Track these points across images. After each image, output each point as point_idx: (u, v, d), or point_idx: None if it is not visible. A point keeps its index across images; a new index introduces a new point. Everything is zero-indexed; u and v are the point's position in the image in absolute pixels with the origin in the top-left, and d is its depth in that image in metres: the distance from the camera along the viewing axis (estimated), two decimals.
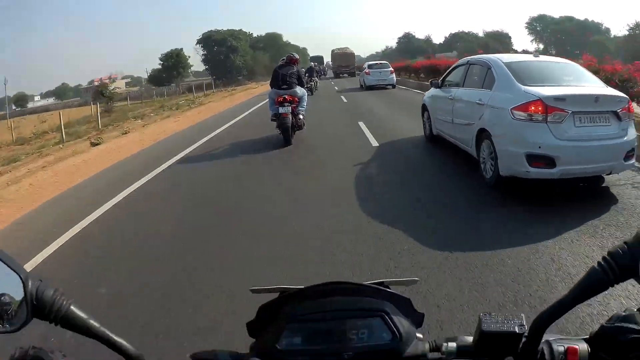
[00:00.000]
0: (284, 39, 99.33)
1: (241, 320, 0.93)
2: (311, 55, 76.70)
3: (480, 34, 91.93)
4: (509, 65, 5.94)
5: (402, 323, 0.84)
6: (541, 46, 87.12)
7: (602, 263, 0.69)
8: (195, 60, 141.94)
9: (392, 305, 0.86)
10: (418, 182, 6.27)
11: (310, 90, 24.03)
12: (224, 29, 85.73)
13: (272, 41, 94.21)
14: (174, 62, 78.70)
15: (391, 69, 26.83)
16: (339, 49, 53.11)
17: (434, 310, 3.03)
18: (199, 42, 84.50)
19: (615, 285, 0.69)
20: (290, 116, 9.55)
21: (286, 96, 9.64)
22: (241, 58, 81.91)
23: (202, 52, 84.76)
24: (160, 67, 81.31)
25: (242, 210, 5.61)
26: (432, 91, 8.72)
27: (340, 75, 48.60)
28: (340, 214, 5.16)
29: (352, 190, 6.05)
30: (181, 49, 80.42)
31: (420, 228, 4.51)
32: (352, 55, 52.06)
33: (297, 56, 10.58)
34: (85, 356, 0.83)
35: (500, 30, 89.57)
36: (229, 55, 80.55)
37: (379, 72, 26.23)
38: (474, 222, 4.61)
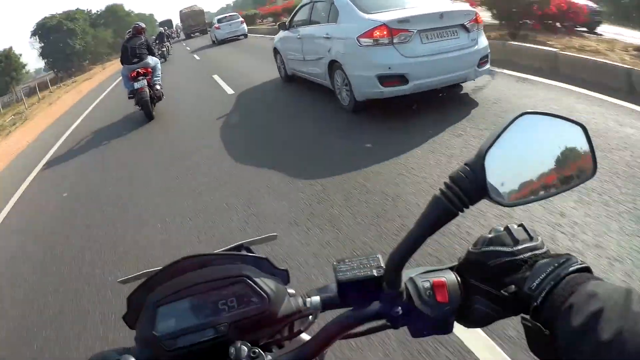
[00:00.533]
0: (126, 9, 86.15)
1: None
2: (159, 21, 70.36)
3: None
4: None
5: (267, 283, 0.83)
6: None
7: (445, 190, 0.64)
8: (33, 57, 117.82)
9: (252, 267, 0.85)
10: (280, 120, 6.51)
11: (164, 57, 23.44)
12: (59, 12, 70.48)
13: (114, 14, 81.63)
14: (2, 67, 61.29)
15: (241, 19, 26.63)
16: (186, 8, 50.39)
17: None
18: (33, 33, 69.50)
19: (465, 210, 0.63)
20: (147, 89, 9.07)
21: (139, 69, 9.17)
22: (81, 41, 68.20)
23: (38, 45, 69.70)
24: None
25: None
26: (282, 34, 8.84)
27: (192, 35, 46.70)
28: (206, 167, 5.35)
29: (216, 145, 6.18)
30: (9, 49, 62.86)
31: (287, 163, 4.79)
32: (201, 12, 49.90)
33: (142, 25, 10.04)
34: None
35: None
36: (67, 42, 66.41)
37: (229, 24, 26.00)
38: (336, 147, 4.96)
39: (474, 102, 5.60)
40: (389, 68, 5.22)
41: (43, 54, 69.79)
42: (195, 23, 47.10)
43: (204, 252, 0.87)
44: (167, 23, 54.25)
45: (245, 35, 25.81)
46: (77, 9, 74.40)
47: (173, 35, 48.56)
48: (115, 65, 36.02)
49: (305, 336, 0.87)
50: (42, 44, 68.93)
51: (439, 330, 0.71)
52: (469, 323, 0.71)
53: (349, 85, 5.69)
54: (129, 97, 9.48)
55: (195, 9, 49.22)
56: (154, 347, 0.79)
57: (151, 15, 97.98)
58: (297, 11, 8.30)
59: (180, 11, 50.61)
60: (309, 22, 7.30)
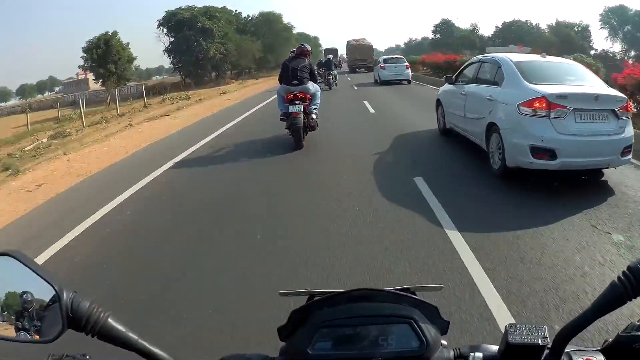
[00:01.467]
0: (285, 21, 71.74)
1: None
2: (323, 47, 69.69)
3: (542, 26, 79.86)
4: (517, 64, 6.42)
5: (429, 330, 0.85)
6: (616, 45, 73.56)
7: (622, 278, 0.72)
8: (157, 52, 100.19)
9: (419, 312, 0.87)
10: (430, 171, 6.78)
11: (328, 85, 23.92)
12: (198, 5, 56.86)
13: (268, 24, 67.46)
14: (100, 54, 50.14)
15: (407, 64, 26.55)
16: (355, 40, 48.44)
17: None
18: (161, 24, 56.06)
19: (633, 299, 0.72)
20: (302, 116, 8.62)
21: (297, 93, 8.71)
22: (219, 46, 54.84)
23: (166, 39, 56.72)
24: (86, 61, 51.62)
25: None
26: (446, 87, 9.19)
27: (357, 70, 44.86)
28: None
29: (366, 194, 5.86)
30: (112, 33, 51.67)
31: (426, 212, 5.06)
32: (370, 48, 47.62)
33: (309, 48, 9.56)
34: None
35: (567, 22, 75.64)
36: (199, 42, 53.33)
37: (394, 66, 25.94)
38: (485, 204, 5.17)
39: (612, 191, 5.46)
40: (542, 140, 5.32)
41: (169, 51, 56.05)
42: (361, 58, 45.45)
43: (377, 287, 0.90)
44: (333, 51, 52.44)
45: (409, 81, 25.86)
46: (223, 7, 60.75)
47: (339, 65, 47.40)
48: (258, 85, 35.59)
49: None
50: (172, 39, 55.37)
51: None
52: None
53: (502, 150, 5.85)
54: (281, 119, 9.04)
55: (365, 43, 47.65)
56: None
57: (315, 38, 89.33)
58: (464, 67, 8.63)
59: (348, 42, 48.88)
60: (475, 80, 7.59)
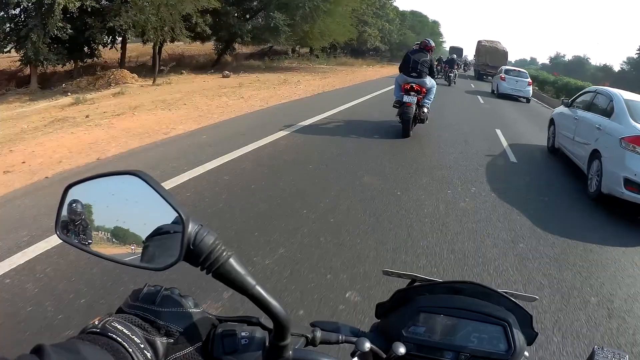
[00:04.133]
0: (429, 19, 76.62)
1: None
2: (444, 34, 66.20)
3: None
4: (627, 101, 7.09)
5: (519, 338, 0.87)
6: None
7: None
8: None
9: (515, 317, 0.88)
10: (535, 186, 7.60)
11: (448, 81, 27.02)
12: None
13: (418, 22, 71.66)
14: None
15: (529, 80, 24.40)
16: (488, 42, 41.00)
17: None
18: None
19: None
20: (414, 106, 9.01)
21: (414, 85, 9.11)
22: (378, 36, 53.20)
23: None
24: None
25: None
26: (561, 108, 9.87)
27: (485, 77, 38.70)
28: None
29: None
30: None
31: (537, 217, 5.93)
32: (504, 54, 39.69)
33: (432, 43, 9.74)
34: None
35: None
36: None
37: (515, 80, 23.85)
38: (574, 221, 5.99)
39: None
40: (635, 175, 5.99)
41: None
42: (492, 64, 37.74)
43: (487, 285, 0.91)
44: (458, 51, 50.20)
45: (528, 100, 24.19)
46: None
47: (461, 65, 45.30)
48: (383, 71, 35.86)
49: None
50: None
51: None
52: None
53: (599, 177, 6.59)
54: (394, 106, 9.50)
55: (499, 48, 39.92)
56: (393, 342, 0.83)
57: (435, 24, 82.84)
58: (581, 94, 9.29)
59: (479, 42, 41.83)
60: (588, 108, 8.28)
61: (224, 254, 0.65)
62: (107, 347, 0.61)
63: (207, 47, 30.44)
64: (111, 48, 20.61)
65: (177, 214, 0.63)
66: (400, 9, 66.43)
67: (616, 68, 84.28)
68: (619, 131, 6.50)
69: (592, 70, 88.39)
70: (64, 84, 17.94)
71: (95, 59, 20.37)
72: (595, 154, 6.97)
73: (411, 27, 66.89)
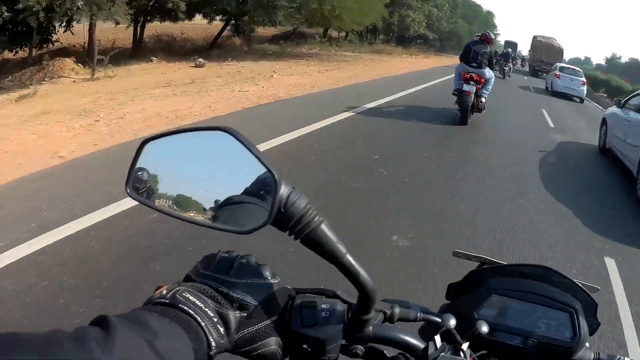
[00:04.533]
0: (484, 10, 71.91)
1: None
2: (505, 39, 60.43)
3: None
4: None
5: (584, 326, 0.86)
6: None
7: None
8: None
9: (581, 305, 0.88)
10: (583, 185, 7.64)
11: (503, 74, 27.13)
12: None
13: (471, 11, 66.57)
14: None
15: (584, 79, 23.19)
16: (543, 37, 39.89)
17: None
18: None
19: None
20: (472, 95, 9.42)
21: (473, 75, 9.47)
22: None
23: None
24: None
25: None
26: (614, 109, 9.81)
27: (540, 73, 36.69)
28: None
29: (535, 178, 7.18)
30: None
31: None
32: (559, 52, 38.20)
33: (492, 36, 10.32)
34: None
35: None
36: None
37: (570, 78, 22.78)
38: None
39: None
40: None
41: None
42: (547, 60, 36.47)
43: (557, 269, 0.91)
44: (513, 46, 48.01)
45: (582, 100, 23.09)
46: None
47: (517, 60, 44.90)
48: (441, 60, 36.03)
49: None
50: None
51: None
52: None
53: None
54: (453, 94, 9.91)
55: (554, 44, 38.93)
56: (467, 324, 0.80)
57: (489, 14, 76.49)
58: (634, 95, 9.20)
59: (534, 37, 40.69)
60: None
61: (316, 218, 0.61)
62: (177, 320, 0.57)
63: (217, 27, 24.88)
64: (65, 31, 16.43)
65: (269, 173, 0.59)
66: None
67: None
68: None
69: None
70: (9, 77, 14.87)
71: (50, 45, 16.57)
72: None
73: (463, 16, 60.85)
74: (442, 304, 0.96)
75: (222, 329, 0.61)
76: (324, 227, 0.62)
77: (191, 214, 0.62)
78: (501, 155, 8.38)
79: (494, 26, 70.92)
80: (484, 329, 0.76)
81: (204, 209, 0.62)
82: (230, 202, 0.63)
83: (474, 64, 9.59)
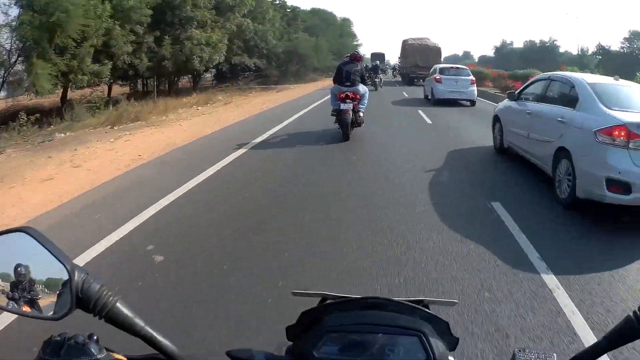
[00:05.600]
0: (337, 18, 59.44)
1: None
2: (371, 52, 56.06)
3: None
4: (592, 86, 5.88)
5: (438, 345, 0.84)
6: None
7: (638, 312, 0.72)
8: None
9: (430, 326, 0.86)
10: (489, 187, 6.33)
11: (374, 86, 26.14)
12: None
13: (321, 21, 52.21)
14: None
15: (472, 77, 19.10)
16: (415, 40, 35.48)
17: None
18: None
19: None
20: (350, 112, 9.81)
21: (349, 93, 9.83)
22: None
23: None
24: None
25: None
26: (507, 103, 8.72)
27: (417, 80, 31.99)
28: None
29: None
30: None
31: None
32: (436, 52, 33.95)
33: (361, 54, 10.97)
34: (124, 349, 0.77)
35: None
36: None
37: (455, 80, 18.59)
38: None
39: None
40: (619, 173, 4.79)
41: None
42: (423, 64, 31.31)
43: (391, 298, 0.90)
44: (380, 57, 47.69)
45: (473, 103, 18.61)
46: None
47: (387, 70, 44.97)
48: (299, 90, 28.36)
49: None
50: None
51: None
52: None
53: (572, 179, 5.32)
54: (332, 114, 10.29)
55: (430, 44, 34.48)
56: None
57: (347, 21, 64.10)
58: (529, 84, 8.12)
59: (405, 41, 36.59)
60: (543, 99, 7.06)
61: (111, 298, 0.70)
62: None
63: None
64: None
65: (63, 266, 0.68)
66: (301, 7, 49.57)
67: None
68: (590, 123, 5.28)
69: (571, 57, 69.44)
70: None
71: None
72: (561, 153, 5.74)
73: (310, 28, 46.41)
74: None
75: None
76: (119, 305, 0.71)
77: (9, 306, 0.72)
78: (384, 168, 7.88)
79: (353, 35, 63.39)
80: None
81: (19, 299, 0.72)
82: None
83: (348, 83, 10.02)
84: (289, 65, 39.40)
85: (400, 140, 10.53)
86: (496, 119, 9.08)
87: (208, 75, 35.69)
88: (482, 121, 12.21)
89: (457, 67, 20.55)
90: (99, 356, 0.72)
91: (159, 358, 0.78)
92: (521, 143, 7.44)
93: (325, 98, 15.57)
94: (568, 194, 5.41)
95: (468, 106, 18.28)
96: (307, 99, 21.65)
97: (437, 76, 18.98)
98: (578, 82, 6.14)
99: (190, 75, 28.69)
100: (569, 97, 6.14)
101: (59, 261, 0.68)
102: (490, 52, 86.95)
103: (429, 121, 13.73)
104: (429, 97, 19.80)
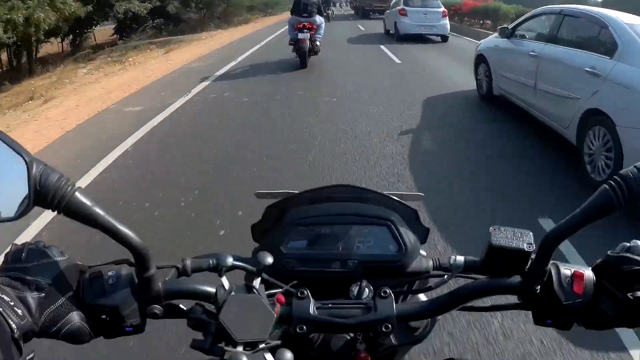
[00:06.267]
0: None
1: None
2: None
3: None
4: (633, 27, 4.47)
5: (408, 235, 0.83)
6: None
7: (613, 184, 0.64)
8: None
9: (398, 215, 0.85)
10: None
11: (327, 19, 24.58)
12: None
13: None
14: None
15: (443, 9, 16.40)
16: None
17: None
18: None
19: (622, 209, 0.63)
20: (307, 41, 10.38)
21: (305, 23, 10.38)
22: None
23: None
24: None
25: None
26: (496, 40, 7.24)
27: (371, 14, 29.75)
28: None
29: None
30: None
31: None
32: None
33: None
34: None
35: None
36: None
37: (423, 13, 16.09)
38: None
39: None
40: None
41: None
42: None
43: (357, 184, 0.88)
44: None
45: (445, 38, 16.31)
46: None
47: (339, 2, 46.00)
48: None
49: (422, 296, 0.86)
50: None
51: (560, 323, 0.73)
52: (588, 324, 0.73)
53: (614, 155, 3.97)
54: (289, 44, 10.85)
55: None
56: (275, 262, 0.76)
57: None
58: (528, 17, 6.62)
59: None
60: (554, 39, 5.59)
61: (69, 188, 0.62)
62: None
63: None
64: None
65: (20, 157, 0.60)
66: None
67: None
68: None
69: None
70: None
71: None
72: (594, 117, 4.35)
73: None
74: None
75: (20, 311, 0.63)
76: (78, 194, 0.63)
77: None
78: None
79: None
80: (268, 260, 0.74)
81: None
82: None
83: (305, 14, 10.62)
84: (213, 6, 28.95)
85: (367, 91, 8.40)
86: (480, 59, 7.62)
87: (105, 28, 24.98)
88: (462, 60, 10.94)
89: None
90: (59, 258, 0.70)
91: (119, 261, 0.75)
92: (524, 94, 6.00)
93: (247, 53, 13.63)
94: (607, 177, 4.06)
95: (439, 42, 16.05)
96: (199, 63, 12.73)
97: (402, 8, 16.24)
98: (613, 21, 4.64)
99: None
100: (601, 42, 4.66)
101: (16, 152, 0.59)
102: None
103: (397, 60, 12.08)
104: (391, 32, 17.59)
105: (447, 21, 16.31)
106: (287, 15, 14.85)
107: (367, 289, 0.78)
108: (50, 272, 0.68)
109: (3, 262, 0.69)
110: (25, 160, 0.60)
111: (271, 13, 36.20)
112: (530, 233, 0.75)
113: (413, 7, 16.28)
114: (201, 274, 0.78)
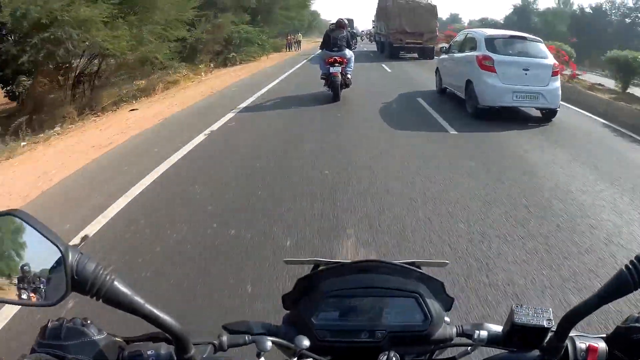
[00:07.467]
0: None
1: None
2: (337, 17, 46.67)
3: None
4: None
5: (434, 306, 0.87)
6: None
7: (630, 267, 0.70)
8: None
9: (425, 287, 0.88)
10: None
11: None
12: None
13: None
14: None
15: (553, 62, 8.79)
16: None
17: None
18: None
19: (638, 289, 0.69)
20: (339, 75, 10.54)
21: (336, 57, 10.58)
22: None
23: None
24: None
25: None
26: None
27: (402, 52, 24.00)
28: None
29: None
30: None
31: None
32: (430, 10, 23.51)
33: (346, 21, 11.66)
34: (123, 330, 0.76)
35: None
36: None
37: (523, 68, 8.39)
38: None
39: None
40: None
41: None
42: (413, 30, 22.69)
43: (387, 260, 0.90)
44: (349, 23, 39.83)
45: (553, 113, 8.65)
46: None
47: (362, 36, 48.70)
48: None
49: None
50: None
51: None
52: None
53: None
54: (322, 78, 11.05)
55: (421, 2, 23.44)
56: (305, 333, 0.83)
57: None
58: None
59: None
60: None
61: (107, 277, 0.64)
62: None
63: None
64: None
65: (56, 248, 0.62)
66: None
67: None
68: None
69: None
70: None
71: None
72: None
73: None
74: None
75: None
76: (117, 284, 0.66)
77: (7, 293, 0.65)
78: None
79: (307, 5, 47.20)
80: (305, 342, 0.80)
81: (9, 286, 0.65)
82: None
83: (335, 49, 10.83)
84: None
85: None
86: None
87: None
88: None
89: (523, 37, 9.32)
90: (98, 337, 0.73)
91: (156, 337, 0.79)
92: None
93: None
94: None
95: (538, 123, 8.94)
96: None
97: (486, 56, 8.66)
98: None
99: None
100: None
101: (52, 242, 0.63)
102: (493, 15, 73.05)
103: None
104: (456, 95, 10.14)
105: (558, 84, 8.69)
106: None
107: (396, 358, 0.81)
108: (90, 351, 0.72)
109: (39, 336, 0.72)
110: (60, 250, 0.63)
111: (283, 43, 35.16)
112: (550, 310, 0.80)
113: (505, 55, 8.76)
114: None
